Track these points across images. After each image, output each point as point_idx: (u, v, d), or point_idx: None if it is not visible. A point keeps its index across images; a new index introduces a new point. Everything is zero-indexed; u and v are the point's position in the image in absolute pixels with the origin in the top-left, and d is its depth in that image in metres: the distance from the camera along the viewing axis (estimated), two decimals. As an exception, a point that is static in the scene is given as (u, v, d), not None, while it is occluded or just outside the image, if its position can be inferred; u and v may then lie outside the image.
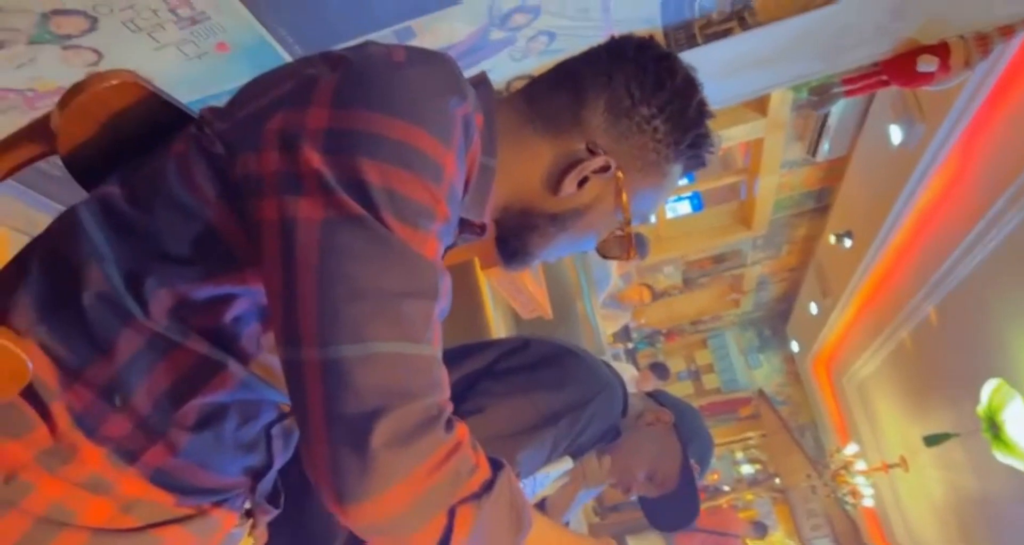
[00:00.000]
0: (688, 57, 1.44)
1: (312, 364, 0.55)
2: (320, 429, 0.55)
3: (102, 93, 0.70)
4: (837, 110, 3.91)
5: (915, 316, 5.02)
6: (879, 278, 5.33)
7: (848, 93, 2.16)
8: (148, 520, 0.65)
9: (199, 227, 0.62)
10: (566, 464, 1.27)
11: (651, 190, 0.79)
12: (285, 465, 0.78)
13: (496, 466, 0.64)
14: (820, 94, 2.28)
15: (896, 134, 3.79)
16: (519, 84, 1.59)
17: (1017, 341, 3.66)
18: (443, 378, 0.60)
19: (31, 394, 0.60)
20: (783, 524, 8.80)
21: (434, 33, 1.44)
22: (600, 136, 0.75)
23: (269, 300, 0.59)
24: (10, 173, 0.74)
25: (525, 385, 1.14)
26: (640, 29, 1.52)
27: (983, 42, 1.72)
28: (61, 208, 0.69)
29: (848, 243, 5.26)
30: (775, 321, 9.62)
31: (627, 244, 0.81)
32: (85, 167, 0.73)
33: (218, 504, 0.70)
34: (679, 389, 9.48)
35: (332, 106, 0.59)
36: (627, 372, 4.46)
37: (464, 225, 0.74)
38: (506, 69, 1.58)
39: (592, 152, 0.75)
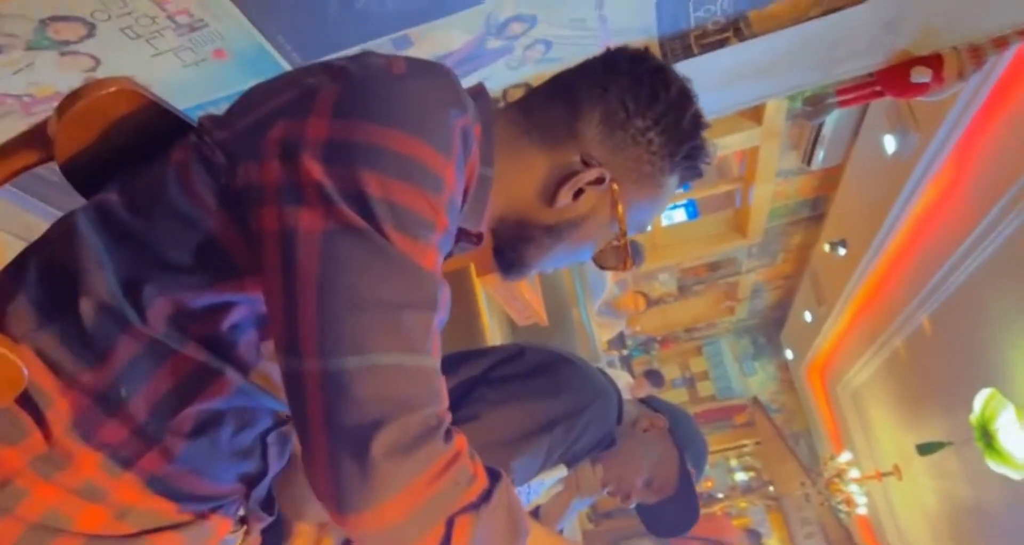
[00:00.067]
0: (684, 67, 1.46)
1: (313, 375, 0.55)
2: (320, 439, 0.55)
3: (100, 100, 0.70)
4: (832, 120, 3.93)
5: (909, 325, 5.03)
6: (873, 287, 5.35)
7: (842, 104, 2.17)
8: (142, 526, 0.65)
9: (198, 235, 0.62)
10: (560, 472, 1.27)
11: (647, 202, 0.80)
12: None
13: (494, 476, 0.64)
14: (814, 105, 2.29)
15: (890, 144, 3.81)
16: (516, 92, 1.60)
17: (1010, 351, 3.68)
18: (442, 389, 0.60)
19: (26, 400, 0.60)
20: (777, 532, 8.80)
21: (431, 41, 1.44)
22: (595, 148, 0.75)
23: (269, 310, 0.59)
24: (7, 179, 0.74)
25: (520, 393, 1.14)
26: (636, 39, 1.53)
27: (976, 53, 1.73)
28: (58, 213, 0.69)
29: (842, 251, 5.28)
30: (770, 329, 9.63)
31: (623, 255, 0.81)
32: (83, 174, 0.73)
33: (213, 511, 0.70)
34: (674, 396, 9.48)
35: (332, 117, 0.59)
36: (622, 379, 4.46)
37: (461, 234, 0.74)
38: (503, 77, 1.58)
39: (587, 164, 0.75)
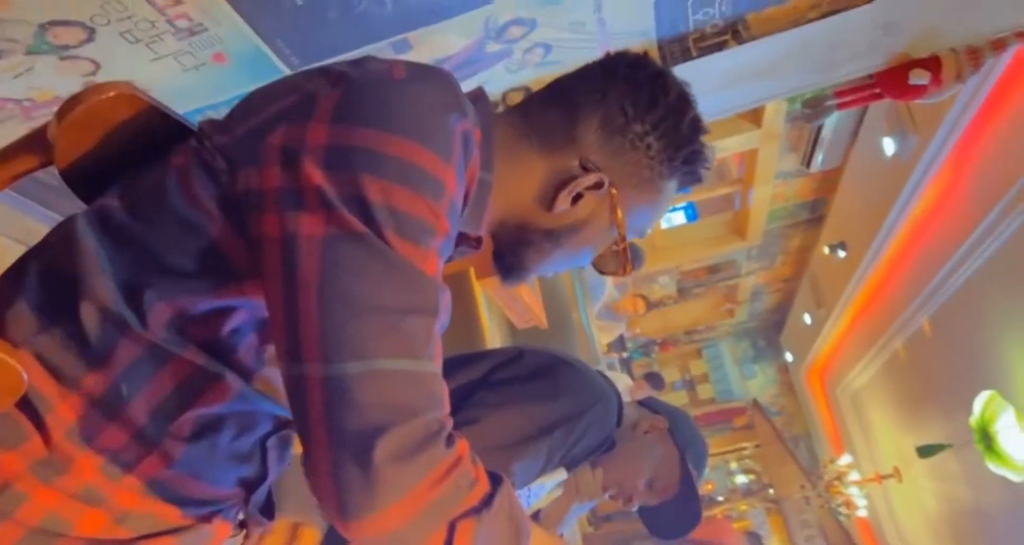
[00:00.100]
0: (682, 70, 1.46)
1: (314, 380, 0.55)
2: (323, 445, 0.55)
3: (100, 104, 0.70)
4: (831, 122, 3.93)
5: (909, 327, 5.03)
6: (873, 289, 5.35)
7: (841, 106, 2.17)
8: (141, 531, 0.65)
9: (199, 240, 0.62)
10: (560, 475, 1.27)
11: (646, 206, 0.80)
12: None
13: (495, 480, 0.64)
14: (813, 107, 2.29)
15: (889, 146, 3.81)
16: (515, 96, 1.60)
17: (1010, 353, 3.68)
18: (443, 394, 0.60)
19: (26, 404, 0.60)
20: (777, 534, 8.79)
21: (430, 45, 1.45)
22: (594, 153, 0.75)
23: (270, 315, 0.59)
24: (7, 184, 0.74)
25: (520, 396, 1.14)
26: (635, 42, 1.53)
27: (974, 56, 1.73)
28: (58, 218, 0.69)
29: (842, 254, 5.28)
30: (769, 331, 9.63)
31: (623, 259, 0.82)
32: (83, 178, 0.74)
33: (212, 515, 0.70)
34: (674, 399, 9.47)
35: (333, 122, 0.59)
36: (621, 382, 4.45)
37: (461, 238, 0.74)
38: (502, 81, 1.58)
39: (586, 169, 0.75)
